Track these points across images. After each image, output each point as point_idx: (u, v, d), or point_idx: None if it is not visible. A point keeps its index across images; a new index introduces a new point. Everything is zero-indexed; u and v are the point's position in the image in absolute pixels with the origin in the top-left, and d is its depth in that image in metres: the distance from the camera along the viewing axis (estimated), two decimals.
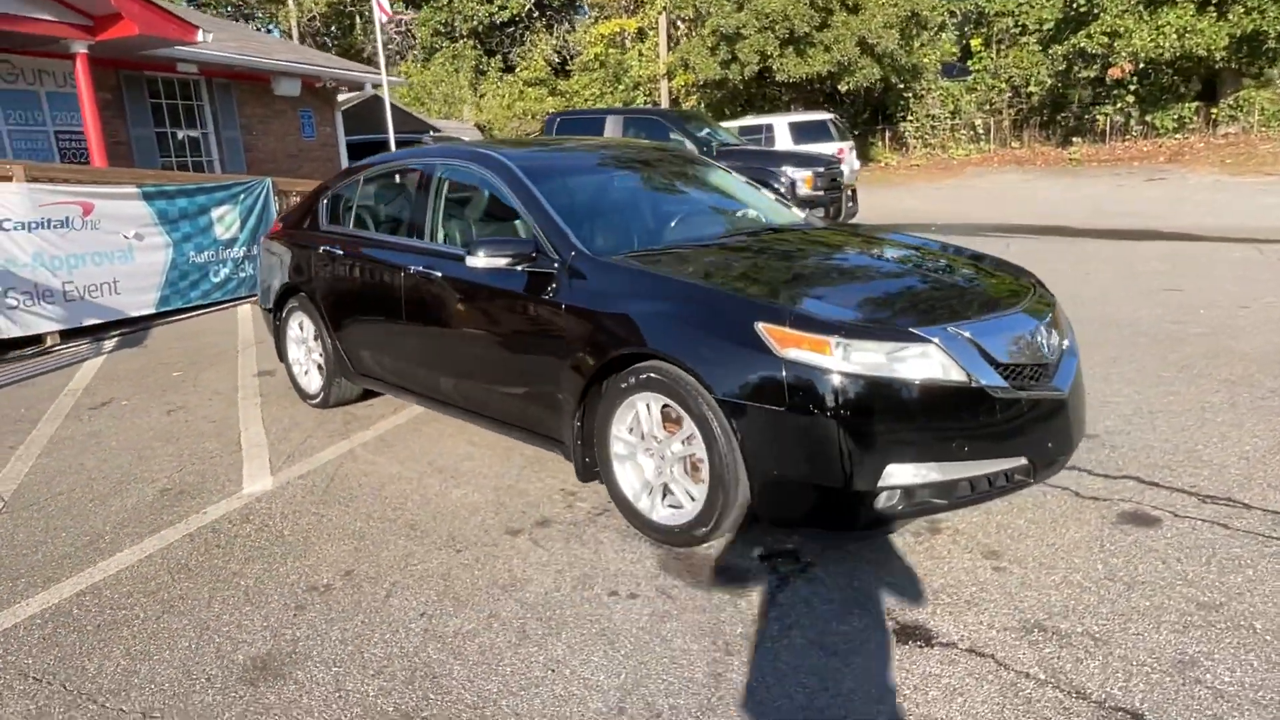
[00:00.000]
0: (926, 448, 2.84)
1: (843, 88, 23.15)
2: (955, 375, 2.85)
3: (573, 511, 3.63)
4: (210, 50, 10.94)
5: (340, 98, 14.86)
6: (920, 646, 2.57)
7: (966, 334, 2.93)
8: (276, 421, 5.09)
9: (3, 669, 2.72)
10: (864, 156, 25.68)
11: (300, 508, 3.83)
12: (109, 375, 6.50)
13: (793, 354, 2.85)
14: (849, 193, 11.80)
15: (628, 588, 2.99)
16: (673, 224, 4.17)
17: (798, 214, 4.65)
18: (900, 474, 2.84)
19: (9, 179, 7.31)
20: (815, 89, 24.69)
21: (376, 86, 14.73)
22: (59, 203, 7.66)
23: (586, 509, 3.63)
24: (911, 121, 25.93)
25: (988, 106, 25.51)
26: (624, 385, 3.26)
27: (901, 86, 25.05)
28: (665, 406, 3.17)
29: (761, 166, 11.09)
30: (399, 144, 16.97)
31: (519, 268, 3.60)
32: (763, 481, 2.94)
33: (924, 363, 2.84)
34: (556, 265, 3.55)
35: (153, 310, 8.54)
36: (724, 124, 18.82)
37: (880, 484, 2.82)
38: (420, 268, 4.17)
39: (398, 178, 4.80)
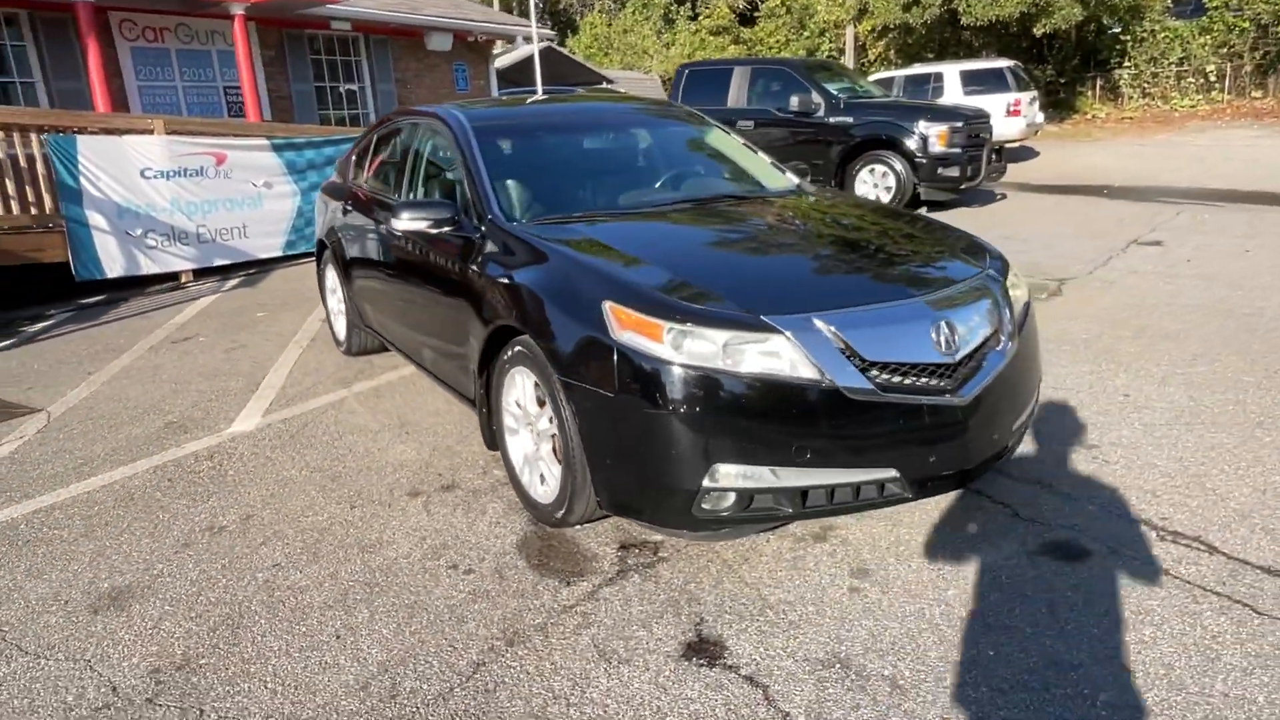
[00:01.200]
0: (765, 450, 2.57)
1: (1038, 31, 20.89)
2: (805, 372, 2.55)
3: (484, 479, 3.63)
4: (361, 8, 11.60)
5: (509, 57, 15.34)
6: (699, 666, 2.37)
7: (831, 326, 2.60)
8: (303, 366, 5.44)
9: None
10: (1068, 108, 23.20)
11: (259, 450, 4.09)
12: (209, 313, 7.21)
13: (626, 337, 2.66)
14: (990, 151, 10.68)
15: (470, 563, 2.97)
16: (624, 190, 3.98)
17: (787, 181, 4.29)
18: (731, 476, 2.60)
19: (150, 132, 8.18)
20: (1010, 34, 22.45)
21: (528, 39, 15.05)
22: (195, 153, 8.49)
23: (498, 477, 3.62)
24: (1128, 68, 23.00)
25: (1225, 50, 22.09)
26: (506, 358, 3.19)
27: (1117, 29, 22.21)
28: (536, 383, 3.07)
29: (891, 121, 10.30)
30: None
31: (442, 231, 3.59)
32: (598, 469, 2.79)
33: (766, 357, 2.56)
34: (477, 231, 3.51)
35: (279, 254, 9.32)
36: (886, 73, 17.64)
37: (708, 484, 2.60)
38: (386, 226, 4.27)
39: (391, 135, 4.90)
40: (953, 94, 15.79)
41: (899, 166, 10.21)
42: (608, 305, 2.74)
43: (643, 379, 2.61)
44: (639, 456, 2.66)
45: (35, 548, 3.26)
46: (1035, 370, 3.14)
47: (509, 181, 3.72)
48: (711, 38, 30.96)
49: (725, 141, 4.54)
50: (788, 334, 2.57)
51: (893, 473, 2.65)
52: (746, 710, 2.18)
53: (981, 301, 2.91)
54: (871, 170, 10.43)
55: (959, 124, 10.16)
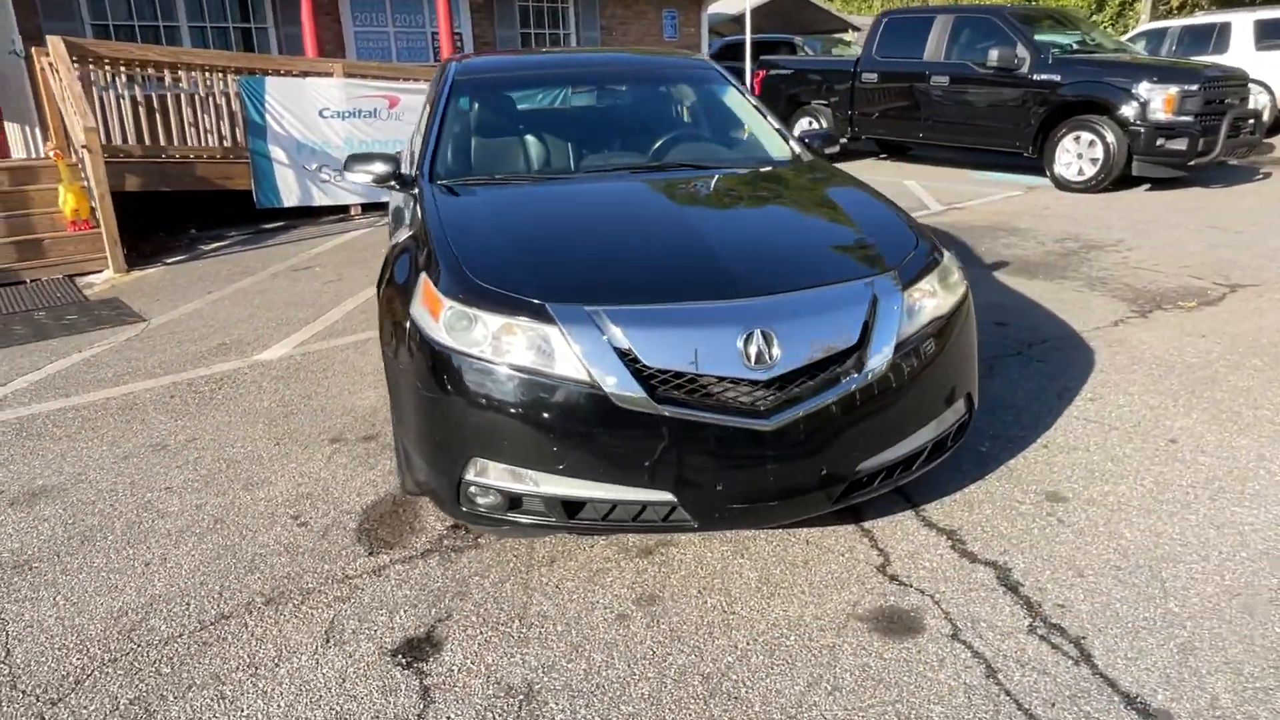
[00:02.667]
0: (524, 452, 2.37)
1: None
2: (570, 371, 2.30)
3: None
4: None
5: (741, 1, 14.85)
6: (395, 665, 2.26)
7: (614, 323, 2.32)
8: (371, 303, 5.78)
9: None
10: None
11: (258, 379, 4.43)
12: (347, 245, 7.85)
13: (417, 311, 2.55)
14: (1235, 120, 8.72)
15: (311, 516, 3.04)
16: (580, 151, 3.75)
17: (782, 151, 3.81)
18: (491, 473, 2.43)
19: (330, 75, 8.94)
20: None
21: None
22: (369, 96, 9.19)
23: None
24: None
25: None
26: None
27: None
28: None
29: (1105, 81, 8.79)
30: (766, 46, 16.68)
31: (386, 186, 3.61)
32: (399, 443, 2.72)
33: (534, 350, 2.34)
34: (413, 188, 3.50)
35: None
36: (1158, 23, 14.99)
37: (469, 478, 2.44)
38: None
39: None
40: (1240, 50, 13.15)
41: (1110, 136, 8.73)
42: (422, 277, 2.63)
43: (419, 357, 2.49)
44: (418, 437, 2.56)
45: (25, 441, 3.78)
46: (930, 397, 2.60)
47: (457, 138, 3.66)
48: None
49: (732, 103, 4.12)
50: (561, 327, 2.33)
51: (668, 497, 2.33)
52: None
53: (837, 312, 2.43)
54: (1076, 138, 9.02)
55: (1193, 87, 8.46)
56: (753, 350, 2.30)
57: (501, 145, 3.76)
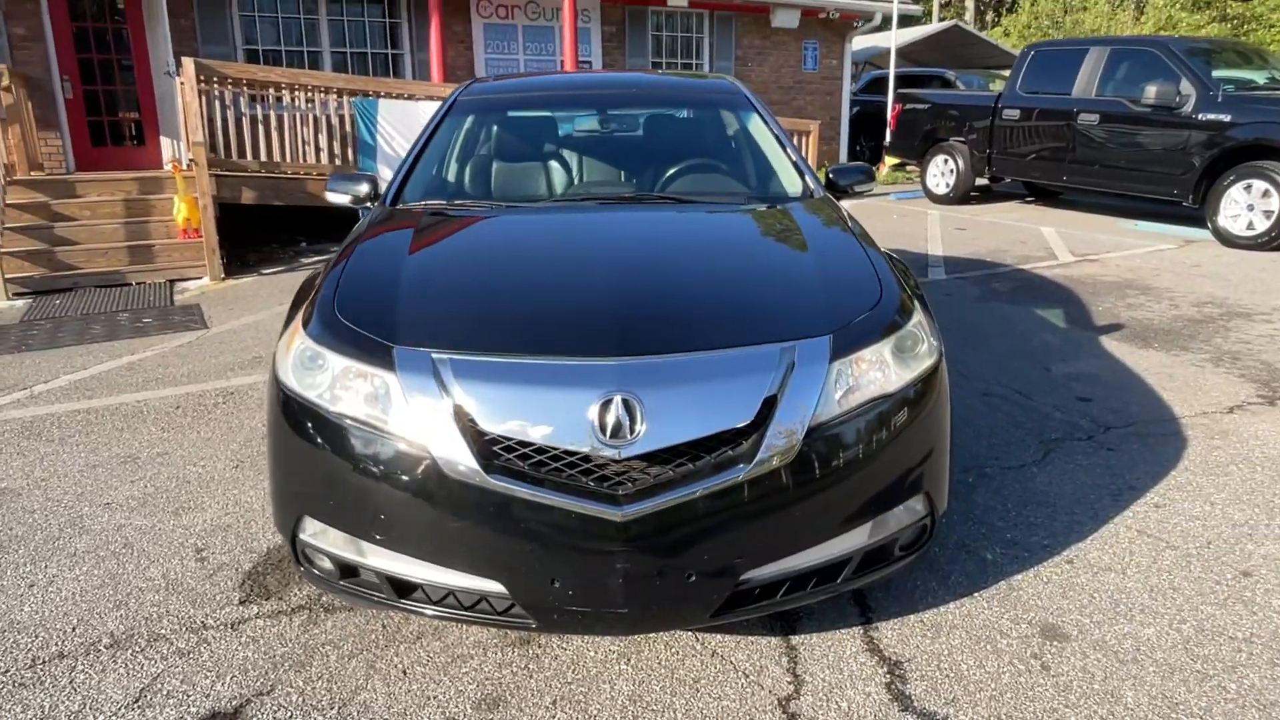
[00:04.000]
0: (349, 517, 2.07)
1: None
2: (398, 427, 1.99)
3: None
4: None
5: (908, 34, 14.16)
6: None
7: (453, 376, 1.98)
8: None
9: None
10: None
11: (262, 397, 4.38)
12: None
13: (279, 346, 2.31)
14: None
15: (215, 552, 2.86)
16: (560, 177, 3.44)
17: (793, 187, 3.33)
18: (319, 535, 2.14)
19: (441, 98, 9.12)
20: None
21: (887, 17, 13.82)
22: None
23: None
24: None
25: None
26: None
27: None
28: None
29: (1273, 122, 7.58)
30: (916, 81, 15.81)
31: (361, 206, 3.46)
32: None
33: (367, 400, 2.04)
34: (382, 209, 3.32)
35: None
36: None
37: (302, 537, 2.17)
38: None
39: None
40: None
41: None
42: (303, 307, 2.40)
43: (269, 397, 2.25)
44: (270, 484, 2.31)
45: (22, 440, 3.86)
46: (861, 494, 2.08)
47: (433, 161, 3.46)
48: (1185, 14, 25.62)
49: (753, 131, 3.68)
50: (400, 376, 2.01)
51: (498, 588, 1.96)
52: None
53: (731, 382, 1.98)
54: (1247, 187, 7.82)
55: None
56: (609, 420, 1.90)
57: (479, 170, 3.51)
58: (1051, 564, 2.69)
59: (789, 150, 3.53)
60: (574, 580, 1.91)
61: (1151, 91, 8.36)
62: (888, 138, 12.27)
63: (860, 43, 17.03)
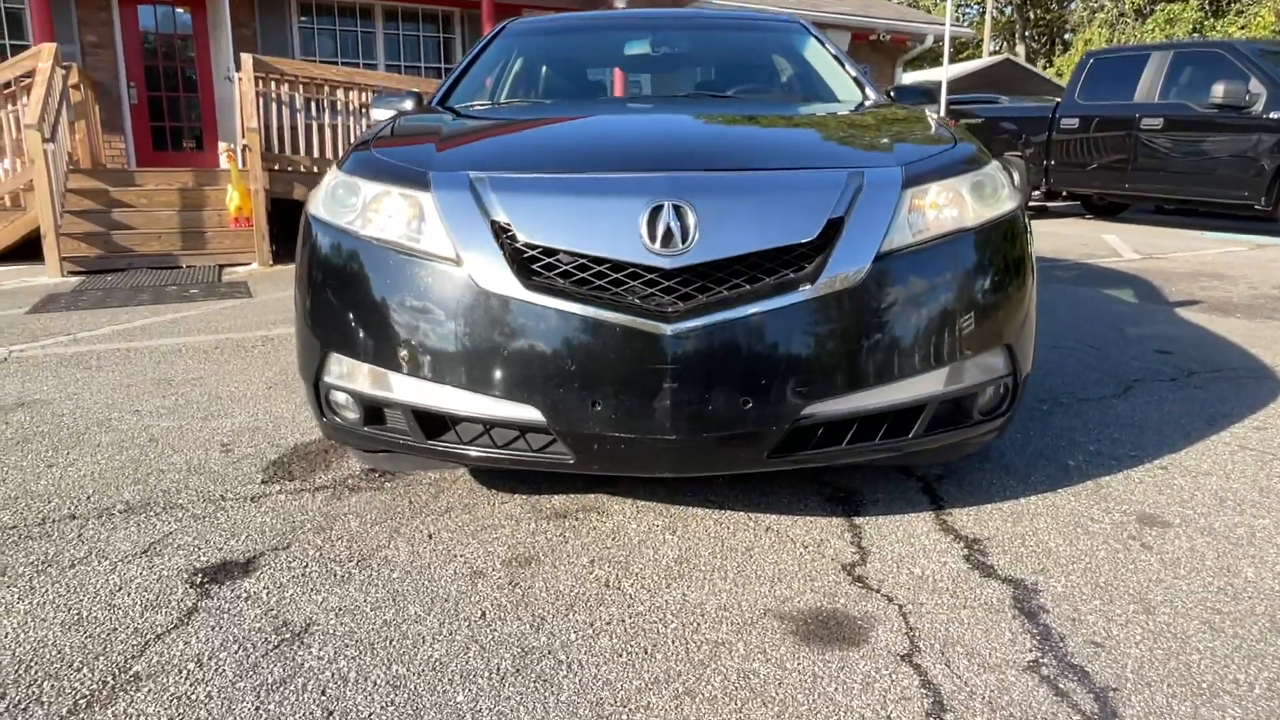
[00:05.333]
0: (379, 345, 1.92)
1: None
2: (434, 245, 1.85)
3: None
4: (750, 2, 11.69)
5: (957, 68, 14.09)
6: (189, 584, 1.84)
7: (492, 191, 1.85)
8: None
9: None
10: None
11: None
12: None
13: (314, 190, 2.20)
14: None
15: (241, 446, 2.73)
16: (612, 88, 3.33)
17: (852, 95, 3.18)
18: (345, 373, 1.99)
19: None
20: None
21: (938, 39, 13.74)
22: None
23: None
24: None
25: None
26: None
27: None
28: None
29: None
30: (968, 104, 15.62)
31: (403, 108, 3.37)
32: None
33: (400, 220, 1.91)
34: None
35: None
36: None
37: (328, 380, 2.02)
38: None
39: None
40: None
41: None
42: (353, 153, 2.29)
43: (300, 237, 2.13)
44: (295, 333, 2.18)
45: (62, 368, 3.80)
46: (936, 333, 1.87)
47: (481, 75, 3.37)
48: None
49: (811, 54, 3.54)
50: (435, 194, 1.89)
51: (534, 414, 1.78)
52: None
53: (793, 197, 1.81)
54: None
55: None
56: (660, 228, 1.73)
57: (526, 85, 3.42)
58: (1143, 468, 2.43)
59: (848, 67, 3.38)
60: (616, 405, 1.72)
61: (1220, 91, 8.09)
62: None
63: (911, 78, 16.99)
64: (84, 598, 1.78)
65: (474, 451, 1.89)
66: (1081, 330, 4.26)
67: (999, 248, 1.97)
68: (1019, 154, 10.56)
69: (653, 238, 1.73)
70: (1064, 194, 10.44)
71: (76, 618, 1.70)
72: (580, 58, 3.66)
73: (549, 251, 1.77)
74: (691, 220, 1.74)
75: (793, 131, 2.19)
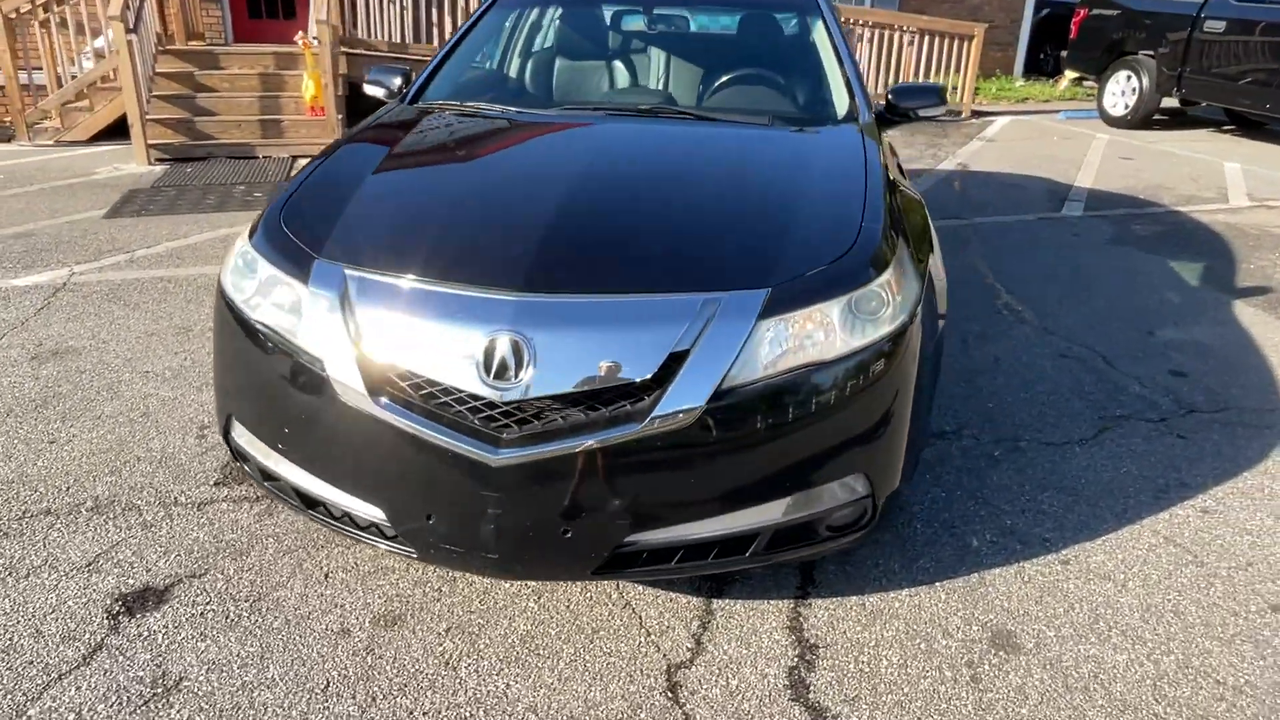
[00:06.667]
0: (263, 421, 2.09)
1: None
2: (307, 341, 1.97)
3: None
4: None
5: None
6: (107, 612, 2.15)
7: (357, 295, 1.94)
8: None
9: None
10: None
11: None
12: None
13: (239, 245, 2.32)
14: None
15: (215, 433, 3.01)
16: (590, 85, 3.23)
17: (839, 107, 2.98)
18: (246, 437, 2.19)
19: None
20: None
21: None
22: None
23: None
24: None
25: None
26: None
27: None
28: None
29: None
30: None
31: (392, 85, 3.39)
32: None
33: (283, 309, 2.04)
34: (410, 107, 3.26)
35: None
36: None
37: (230, 433, 2.24)
38: None
39: None
40: None
41: None
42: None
43: (214, 300, 2.28)
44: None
45: (103, 304, 4.18)
46: (779, 466, 1.89)
47: (462, 59, 3.32)
48: None
49: (814, 42, 3.30)
50: (312, 289, 1.99)
51: (379, 514, 1.94)
52: None
53: (635, 331, 1.82)
54: None
55: None
56: (495, 361, 1.79)
57: (507, 71, 3.36)
58: (1042, 561, 2.40)
59: (846, 66, 3.15)
60: (447, 518, 1.86)
61: None
62: (1067, 47, 10.93)
63: None
64: (22, 619, 2.12)
65: (340, 528, 2.08)
66: (1105, 331, 4.01)
67: (865, 377, 1.92)
68: (1152, 54, 9.44)
69: (488, 370, 1.79)
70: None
71: (7, 644, 2.04)
72: (568, 35, 3.53)
73: (395, 369, 1.86)
74: (526, 355, 1.78)
75: (686, 226, 2.13)
